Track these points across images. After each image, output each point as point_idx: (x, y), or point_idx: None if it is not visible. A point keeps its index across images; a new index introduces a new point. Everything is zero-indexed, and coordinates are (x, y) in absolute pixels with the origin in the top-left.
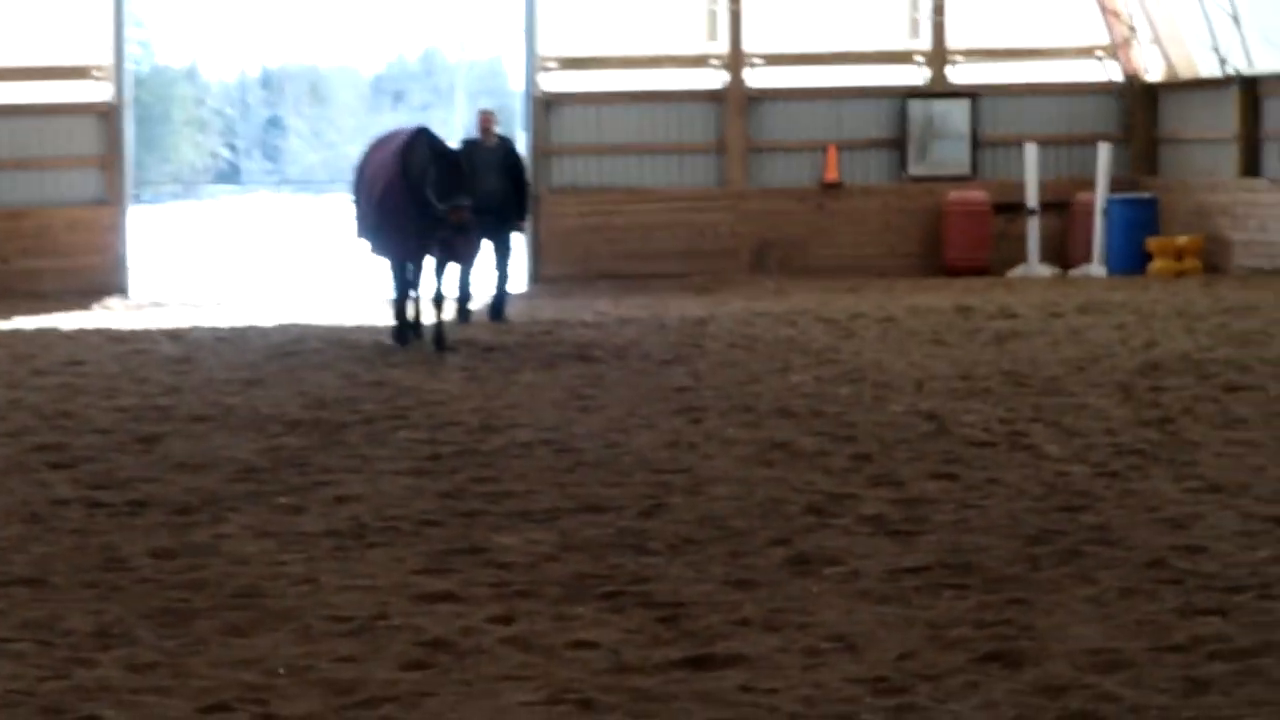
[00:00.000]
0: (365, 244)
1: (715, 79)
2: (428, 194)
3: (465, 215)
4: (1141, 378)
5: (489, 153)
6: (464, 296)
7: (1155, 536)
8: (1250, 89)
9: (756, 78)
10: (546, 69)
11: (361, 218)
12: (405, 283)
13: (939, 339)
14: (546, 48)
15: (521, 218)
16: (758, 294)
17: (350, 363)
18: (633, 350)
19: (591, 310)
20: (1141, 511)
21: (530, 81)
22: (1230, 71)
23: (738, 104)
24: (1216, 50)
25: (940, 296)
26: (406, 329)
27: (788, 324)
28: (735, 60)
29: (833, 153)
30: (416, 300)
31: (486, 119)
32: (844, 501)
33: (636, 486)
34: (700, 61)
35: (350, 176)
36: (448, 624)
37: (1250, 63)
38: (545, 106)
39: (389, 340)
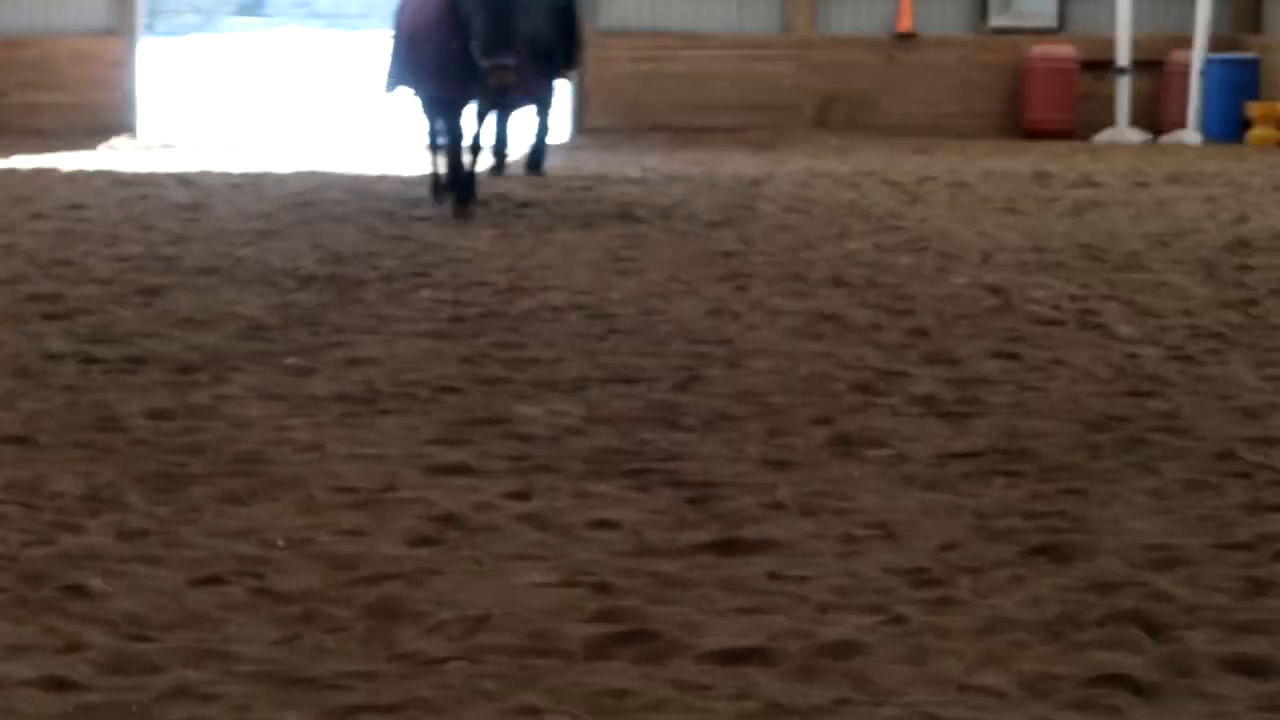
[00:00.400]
0: (400, 89)
1: None
2: (472, 46)
3: (509, 77)
4: (1228, 255)
5: None
6: (501, 146)
7: (1226, 426)
8: None
9: None
10: None
11: (400, 59)
12: (443, 131)
13: (1012, 207)
14: None
15: (570, 64)
16: (820, 152)
17: (372, 216)
18: (679, 210)
19: (637, 165)
20: (1214, 399)
21: None
22: None
23: None
24: None
25: (1018, 161)
26: (448, 182)
27: (849, 186)
28: None
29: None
30: (455, 150)
31: None
32: (894, 379)
33: (672, 357)
34: None
35: (390, 12)
36: (460, 498)
37: None
38: None
39: (426, 194)
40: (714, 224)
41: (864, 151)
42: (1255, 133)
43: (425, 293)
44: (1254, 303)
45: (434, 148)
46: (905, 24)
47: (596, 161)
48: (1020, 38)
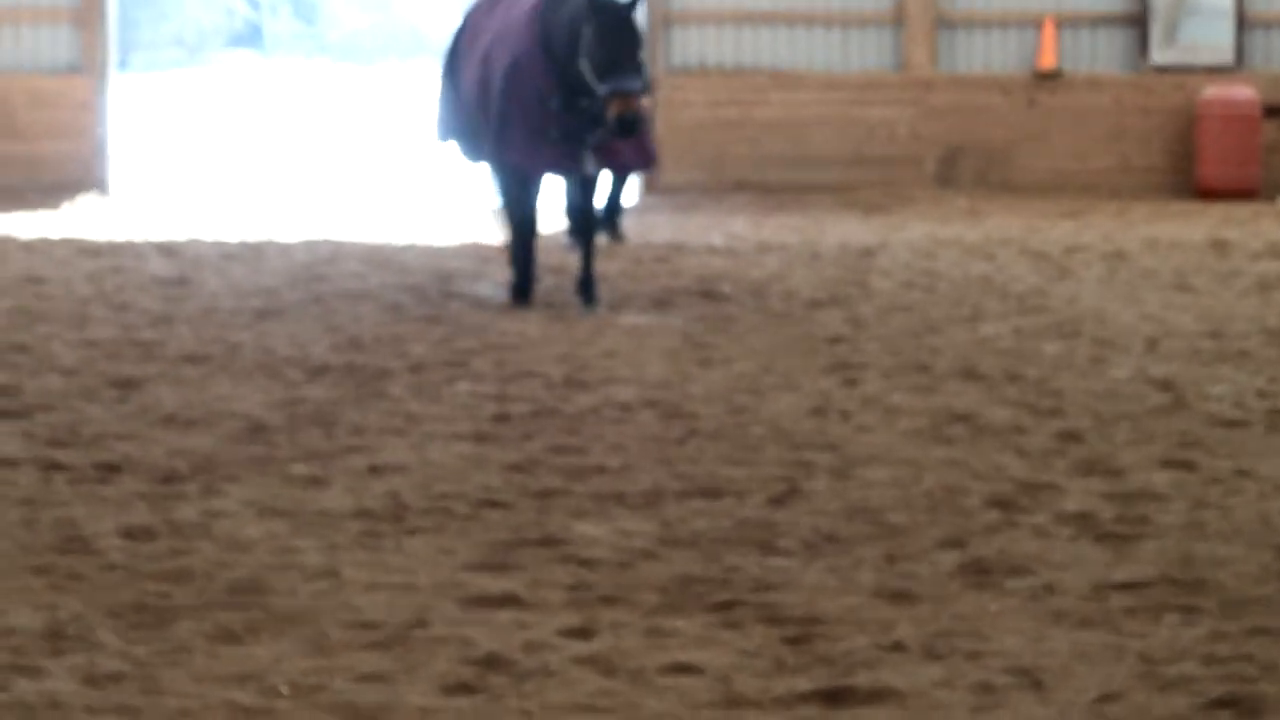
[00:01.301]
0: (459, 148)
1: None
2: (580, 70)
3: (635, 105)
4: None
5: None
6: (613, 210)
7: None
8: None
9: None
10: None
11: (459, 109)
12: (528, 207)
13: (1183, 283)
14: None
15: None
16: (945, 215)
17: (398, 292)
18: (773, 287)
19: (721, 231)
20: None
21: None
22: None
23: None
24: None
25: (1189, 226)
26: (528, 278)
27: (982, 257)
28: None
29: (1050, 30)
30: (529, 234)
31: None
32: (1040, 494)
33: (767, 466)
34: None
35: (446, 49)
36: (506, 636)
37: None
38: None
39: (503, 296)
40: (816, 303)
41: (999, 215)
42: None
43: (463, 386)
44: None
45: (519, 234)
46: (1048, 60)
47: (671, 226)
48: (1189, 76)
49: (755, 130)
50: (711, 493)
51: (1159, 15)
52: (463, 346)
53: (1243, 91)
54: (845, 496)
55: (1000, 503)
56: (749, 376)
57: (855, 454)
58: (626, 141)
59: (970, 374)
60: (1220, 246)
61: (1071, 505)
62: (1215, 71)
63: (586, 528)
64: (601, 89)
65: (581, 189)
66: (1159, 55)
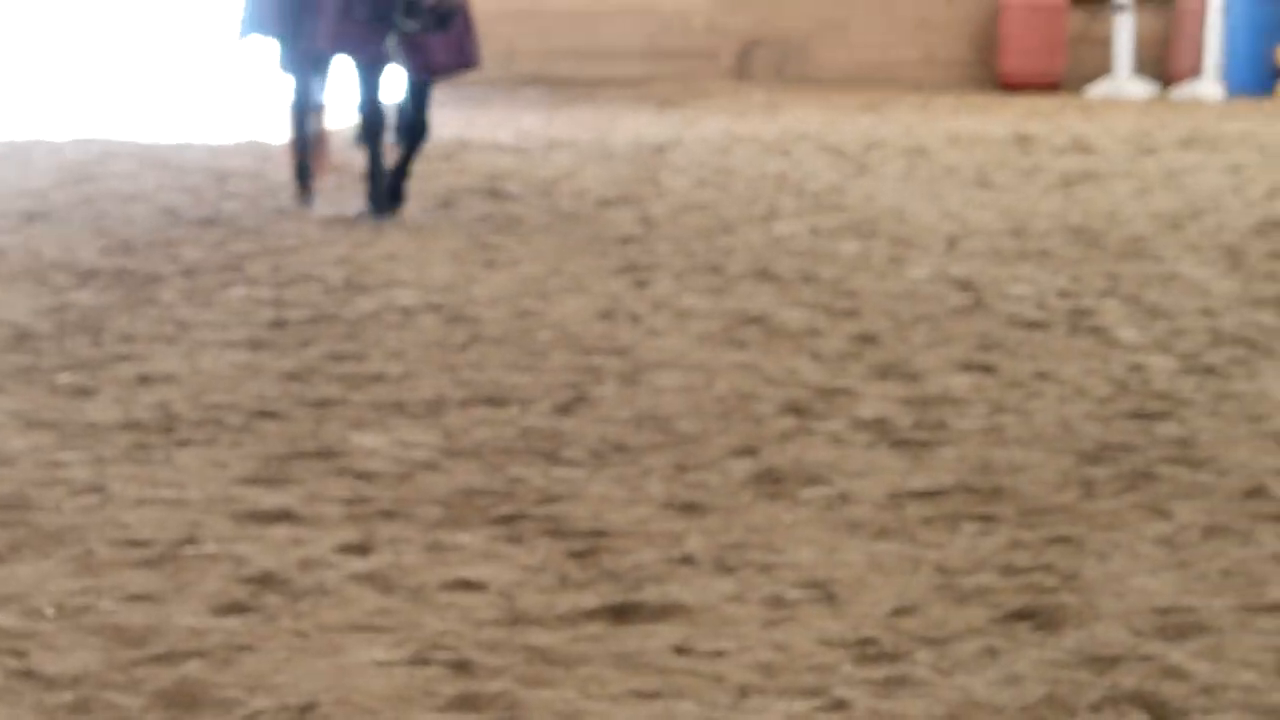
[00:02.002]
0: (261, 41)
1: None
2: None
3: (447, 3)
4: (1258, 239)
5: None
6: (419, 128)
7: (1257, 456)
8: None
9: None
10: None
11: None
12: (308, 96)
13: (985, 180)
14: None
15: None
16: (742, 110)
17: (173, 193)
18: (563, 185)
19: (510, 127)
20: (1242, 422)
21: None
22: None
23: None
24: None
25: (992, 121)
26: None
27: (778, 153)
28: None
29: None
30: (377, 131)
31: None
32: (836, 399)
33: (553, 372)
34: None
35: None
36: (281, 553)
37: None
38: None
39: (288, 180)
40: (606, 202)
41: (797, 109)
42: None
43: (238, 291)
44: None
45: (301, 122)
46: None
47: (459, 122)
48: None
49: (546, 22)
50: (495, 401)
51: None
52: (238, 250)
53: None
54: (634, 404)
55: (794, 409)
56: (535, 279)
57: (645, 359)
58: (442, 37)
59: (764, 275)
60: (1023, 142)
61: (867, 411)
62: None
63: (365, 439)
64: None
65: (413, 89)
66: None
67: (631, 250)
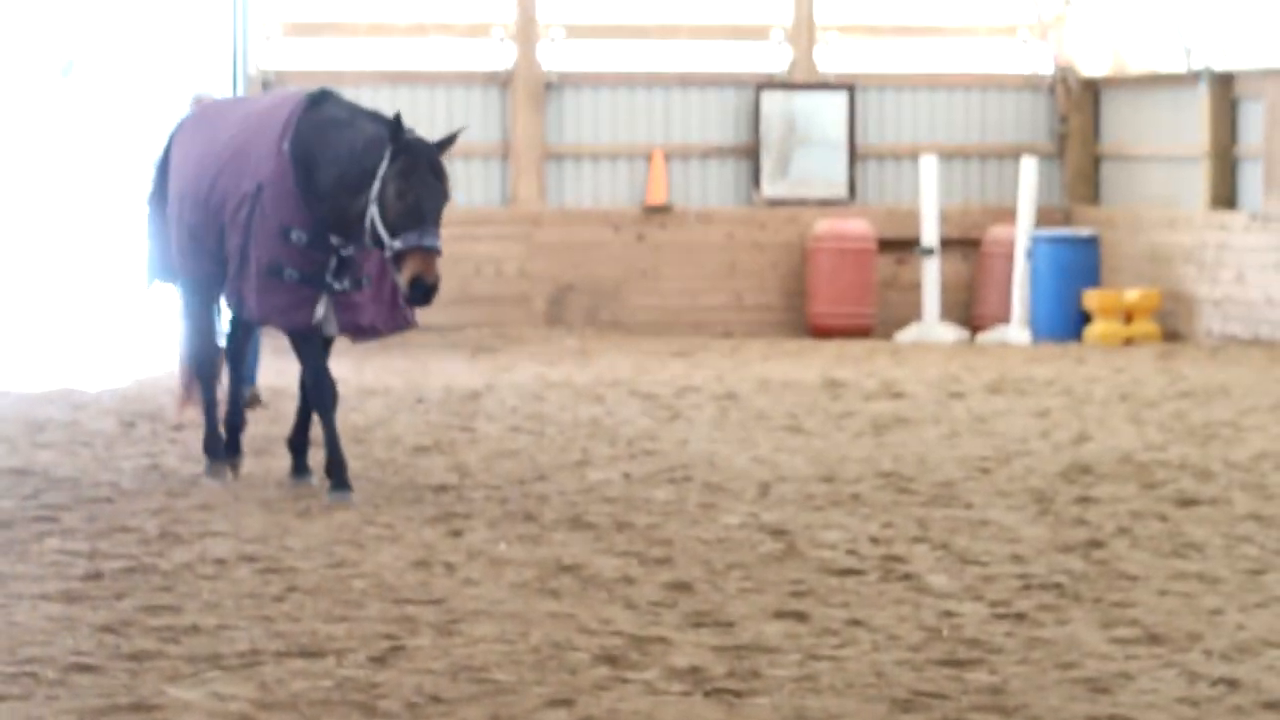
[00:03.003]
0: (164, 288)
1: (497, 55)
2: (374, 220)
3: (436, 268)
4: (1066, 485)
5: None
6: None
7: (1068, 704)
8: (1224, 89)
9: (555, 55)
10: (268, 38)
11: (175, 248)
12: (227, 347)
13: (796, 426)
14: (270, 11)
15: None
16: (554, 356)
17: None
18: (376, 433)
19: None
20: (1052, 669)
21: (243, 55)
22: (1198, 65)
23: (529, 91)
24: (1179, 35)
25: (802, 366)
26: (226, 431)
27: (591, 400)
28: (526, 29)
29: (659, 163)
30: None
31: None
32: (650, 648)
33: (369, 622)
34: (478, 31)
35: (152, 178)
36: None
37: (1224, 54)
38: (264, 89)
39: (199, 454)
40: (421, 449)
41: (609, 355)
42: (1096, 329)
43: (52, 543)
44: (1099, 545)
45: (209, 375)
46: (657, 194)
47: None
48: (802, 210)
49: None
50: (311, 652)
51: (771, 148)
52: (52, 501)
53: (857, 226)
54: (450, 654)
55: (609, 658)
56: (350, 528)
57: (460, 608)
58: (374, 296)
59: (578, 523)
60: (833, 387)
61: (681, 660)
62: (829, 204)
63: (181, 692)
64: (395, 244)
65: (323, 348)
66: (771, 188)
67: (446, 498)
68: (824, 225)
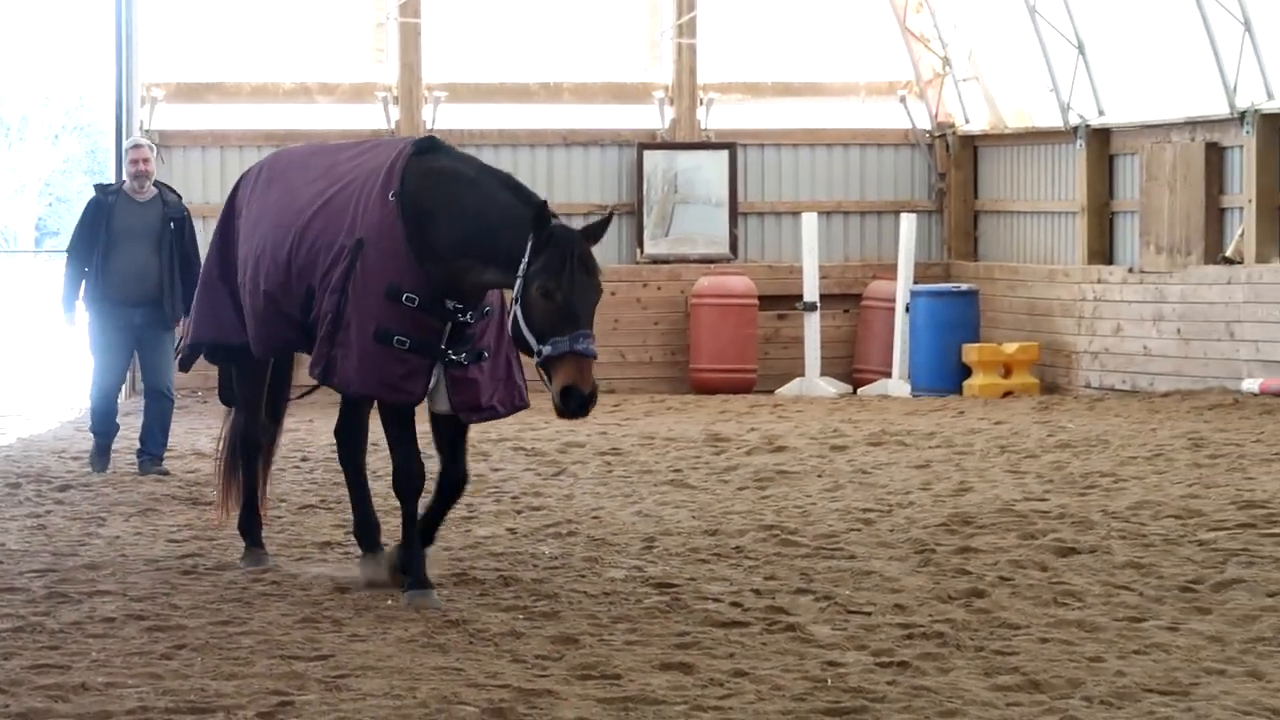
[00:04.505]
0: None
1: (381, 116)
2: (518, 321)
3: (590, 378)
4: (947, 535)
5: (143, 212)
6: (459, 479)
7: None
8: (1101, 145)
9: (438, 116)
10: (152, 99)
11: (249, 318)
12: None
13: (680, 480)
14: (151, 72)
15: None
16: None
17: None
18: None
19: (213, 432)
20: (935, 717)
21: (128, 114)
22: (1075, 121)
23: None
24: (1056, 92)
25: (685, 421)
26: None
27: (477, 456)
28: (410, 91)
29: None
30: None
31: (143, 157)
32: (538, 701)
33: (258, 679)
34: (362, 93)
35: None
36: None
37: (1100, 110)
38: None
39: (86, 513)
40: (307, 507)
41: None
42: (975, 381)
43: None
44: (980, 594)
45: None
46: None
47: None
48: (684, 267)
49: None
50: (200, 709)
51: (653, 206)
52: None
53: (739, 282)
54: (338, 709)
55: (496, 712)
56: (237, 586)
57: (348, 664)
58: (492, 372)
59: (464, 578)
60: (716, 441)
61: (569, 713)
62: (711, 261)
63: None
64: (544, 349)
65: (455, 431)
66: (653, 246)
67: (332, 555)
68: (706, 282)
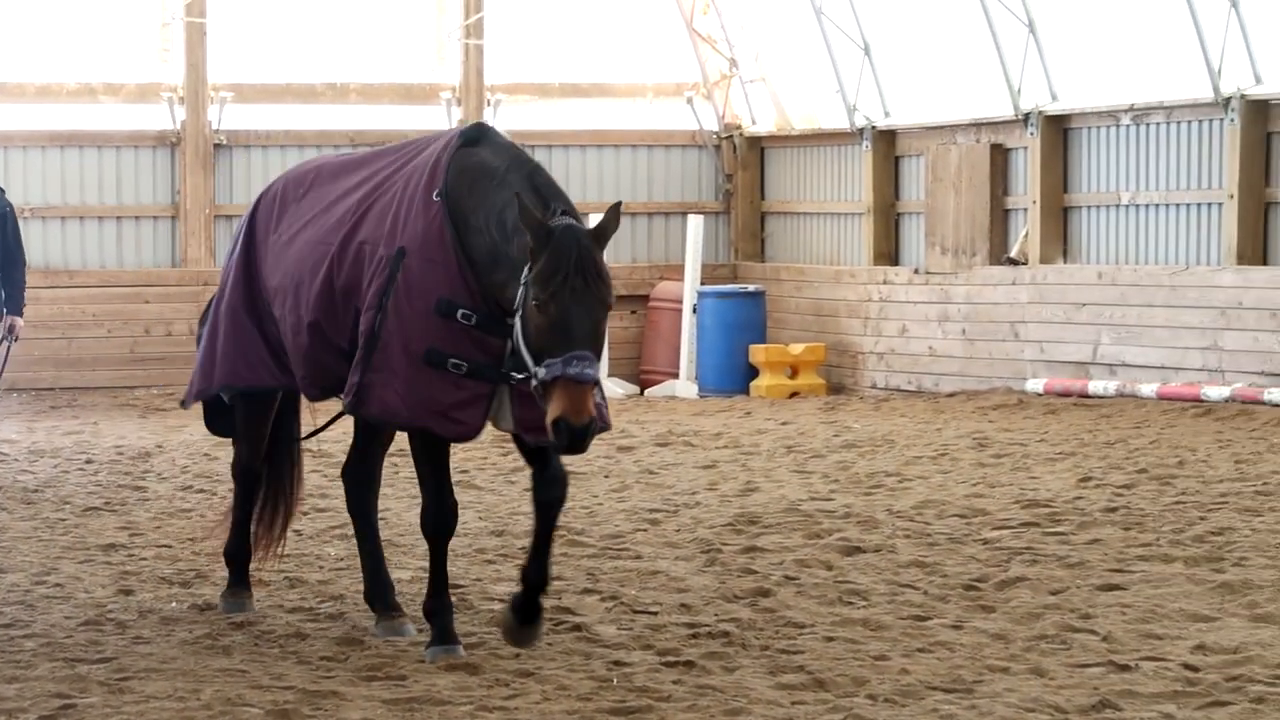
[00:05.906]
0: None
1: (166, 117)
2: (516, 339)
3: (587, 409)
4: (733, 535)
5: None
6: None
7: None
8: (887, 146)
9: (224, 117)
10: None
11: (293, 354)
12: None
13: (467, 481)
14: None
15: (12, 308)
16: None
17: None
18: (46, 493)
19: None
20: (720, 715)
21: None
22: (861, 123)
23: (198, 152)
24: (842, 94)
25: None
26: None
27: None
28: (196, 92)
29: None
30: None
31: None
32: (323, 703)
33: (40, 682)
34: (147, 93)
35: (232, 256)
36: None
37: (886, 112)
38: None
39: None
40: (91, 510)
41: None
42: (762, 382)
43: None
44: (765, 593)
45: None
46: None
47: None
48: None
49: (24, 330)
50: None
51: None
52: None
53: None
54: (122, 711)
55: (282, 713)
56: (20, 589)
57: (132, 666)
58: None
59: (251, 580)
60: (503, 442)
61: (355, 714)
62: None
63: None
64: (540, 372)
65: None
66: None
67: (116, 558)
68: None
